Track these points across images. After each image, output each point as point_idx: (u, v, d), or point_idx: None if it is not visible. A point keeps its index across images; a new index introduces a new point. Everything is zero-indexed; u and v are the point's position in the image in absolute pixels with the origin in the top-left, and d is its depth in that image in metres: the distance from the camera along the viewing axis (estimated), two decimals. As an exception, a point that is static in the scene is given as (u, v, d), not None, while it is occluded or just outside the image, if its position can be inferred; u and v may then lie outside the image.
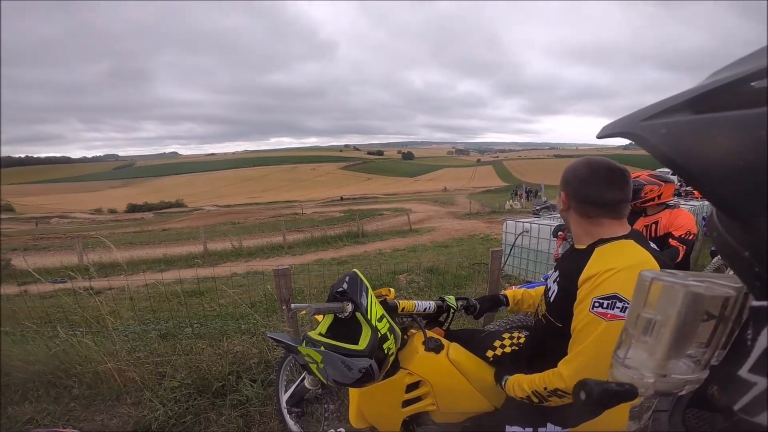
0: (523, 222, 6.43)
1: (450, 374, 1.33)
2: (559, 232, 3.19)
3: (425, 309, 1.46)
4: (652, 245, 1.14)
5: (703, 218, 6.02)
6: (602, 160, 1.11)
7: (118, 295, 5.40)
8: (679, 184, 8.61)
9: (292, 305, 1.21)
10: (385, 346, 1.19)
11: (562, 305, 1.11)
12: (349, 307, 1.19)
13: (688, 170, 0.37)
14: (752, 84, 0.37)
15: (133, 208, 79.90)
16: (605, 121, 0.53)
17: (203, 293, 5.96)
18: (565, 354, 1.06)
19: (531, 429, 1.16)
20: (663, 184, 2.71)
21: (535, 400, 1.09)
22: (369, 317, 1.19)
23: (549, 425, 1.13)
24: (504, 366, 1.36)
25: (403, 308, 1.39)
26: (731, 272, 0.46)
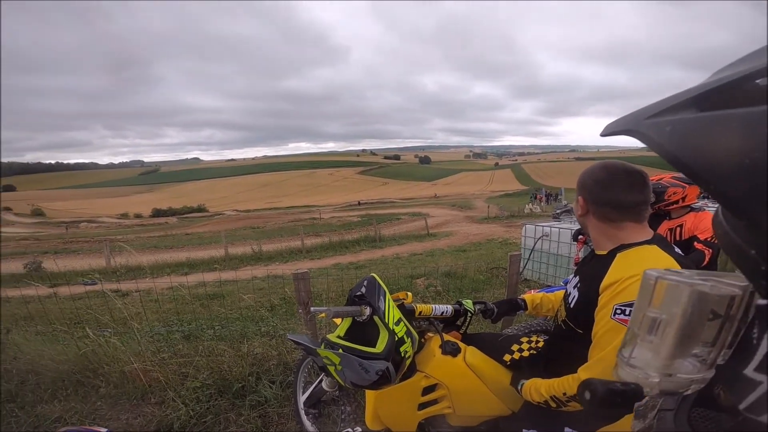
0: (542, 226, 6.33)
1: (466, 377, 1.33)
2: (580, 236, 3.14)
3: (442, 313, 1.47)
4: (677, 249, 1.11)
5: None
6: (619, 163, 1.10)
7: (144, 297, 5.57)
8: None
9: (312, 308, 1.23)
10: (402, 349, 1.20)
11: (582, 311, 1.10)
12: (367, 310, 1.21)
13: (692, 168, 0.37)
14: (756, 81, 0.37)
15: (157, 213, 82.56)
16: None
17: (225, 296, 6.09)
18: (585, 360, 1.05)
19: None
20: (687, 186, 2.63)
21: (553, 404, 1.08)
22: (386, 321, 1.21)
23: (566, 429, 1.12)
24: (521, 370, 1.35)
25: (420, 312, 1.40)
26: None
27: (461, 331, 1.55)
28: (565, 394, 1.05)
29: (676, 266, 1.00)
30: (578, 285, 1.17)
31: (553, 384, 1.09)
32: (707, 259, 2.45)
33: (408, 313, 1.35)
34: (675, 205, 2.69)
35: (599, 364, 1.00)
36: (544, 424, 1.17)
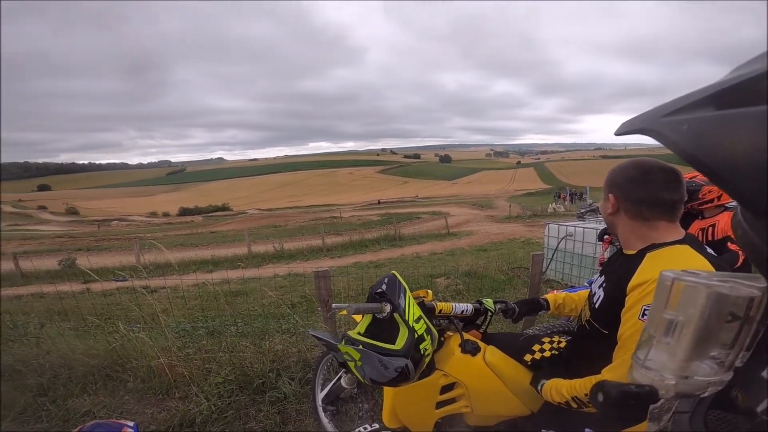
0: (566, 225, 6.19)
1: (486, 377, 1.32)
2: (606, 236, 3.05)
3: (462, 311, 1.46)
4: (709, 250, 1.07)
5: None
6: (652, 160, 1.08)
7: (171, 293, 5.75)
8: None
9: (333, 305, 1.25)
10: (421, 346, 1.20)
11: (608, 311, 1.08)
12: (388, 307, 1.22)
13: (710, 167, 0.36)
14: None
15: (184, 212, 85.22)
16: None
17: (247, 293, 6.22)
18: (608, 361, 1.03)
19: None
20: None
21: (574, 405, 1.07)
22: (406, 318, 1.21)
23: (586, 430, 1.10)
24: (542, 370, 1.33)
25: (441, 310, 1.40)
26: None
27: (481, 331, 1.54)
28: (587, 395, 1.03)
29: (709, 267, 0.97)
30: (604, 284, 1.15)
31: (574, 385, 1.08)
32: (741, 260, 2.34)
33: (428, 311, 1.35)
34: (709, 204, 2.58)
35: (624, 365, 0.97)
36: (564, 424, 1.16)
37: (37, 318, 4.18)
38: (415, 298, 1.32)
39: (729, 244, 2.43)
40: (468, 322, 1.53)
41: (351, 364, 1.23)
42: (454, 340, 1.39)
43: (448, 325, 1.45)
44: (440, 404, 1.33)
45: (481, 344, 1.39)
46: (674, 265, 0.97)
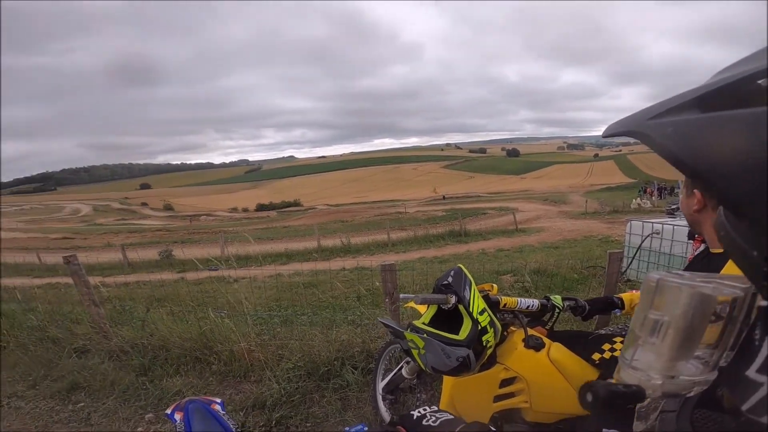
0: (652, 222, 5.64)
1: (548, 373, 1.28)
2: (697, 234, 2.74)
3: (528, 307, 1.42)
4: None
5: None
6: None
7: (251, 283, 6.25)
8: None
9: (401, 295, 1.30)
10: (484, 338, 1.21)
11: None
12: (453, 299, 1.24)
13: (695, 169, 0.37)
14: (759, 82, 0.36)
15: (260, 207, 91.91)
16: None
17: (317, 285, 6.55)
18: None
19: None
20: None
21: None
22: (471, 310, 1.22)
23: None
24: (611, 369, 1.26)
25: (505, 304, 1.38)
26: None
27: (547, 327, 1.49)
28: None
29: None
30: None
31: None
32: None
33: (492, 304, 1.34)
34: None
35: None
36: (627, 424, 1.09)
37: (143, 303, 4.80)
38: (480, 292, 1.32)
39: None
40: (534, 318, 1.49)
41: (415, 352, 1.27)
42: (518, 335, 1.37)
43: (513, 319, 1.43)
44: (498, 398, 1.32)
45: (546, 340, 1.35)
46: None
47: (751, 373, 0.42)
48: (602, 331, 1.72)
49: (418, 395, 2.13)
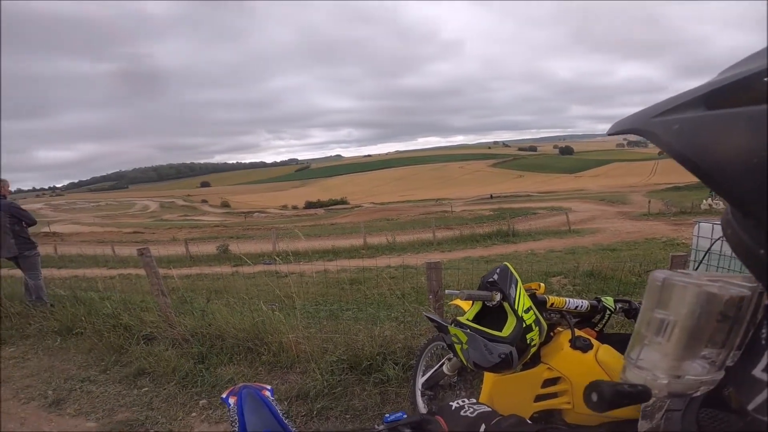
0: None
1: (595, 375, 1.22)
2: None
3: (576, 307, 1.37)
4: None
5: None
6: None
7: (299, 279, 6.49)
8: None
9: (446, 291, 1.31)
10: (528, 336, 1.19)
11: None
12: (498, 296, 1.23)
13: (701, 167, 0.37)
14: (765, 79, 0.35)
15: (309, 205, 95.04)
16: None
17: (362, 282, 6.67)
18: None
19: None
20: None
21: None
22: (516, 307, 1.21)
23: None
24: None
25: (552, 303, 1.34)
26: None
27: (597, 329, 1.43)
28: None
29: None
30: None
31: None
32: None
33: (539, 303, 1.31)
34: None
35: None
36: None
37: (203, 294, 5.14)
38: (526, 290, 1.30)
39: None
40: (583, 319, 1.43)
41: (457, 347, 1.27)
42: (564, 336, 1.32)
43: (560, 319, 1.38)
44: (540, 397, 1.28)
45: (595, 342, 1.29)
46: None
47: (757, 372, 0.41)
48: None
49: (458, 392, 2.12)
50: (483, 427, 0.65)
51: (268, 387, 1.34)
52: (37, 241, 4.89)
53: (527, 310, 1.22)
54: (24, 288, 4.73)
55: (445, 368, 1.93)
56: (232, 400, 1.25)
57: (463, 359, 1.27)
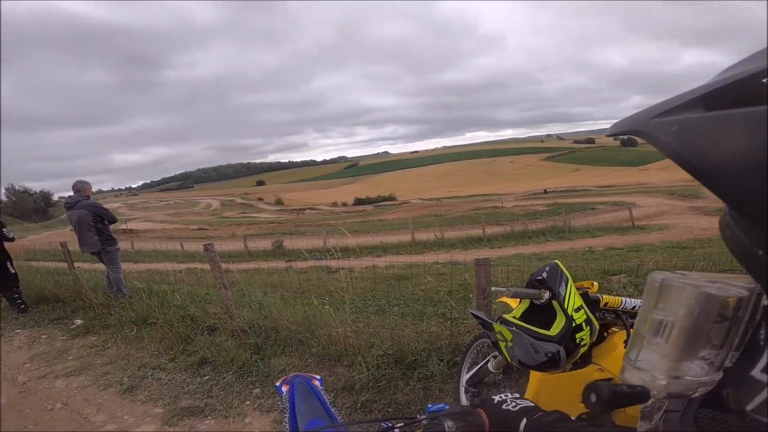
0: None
1: None
2: None
3: (633, 307, 1.30)
4: None
5: None
6: None
7: (349, 274, 6.66)
8: None
9: (493, 288, 1.29)
10: (577, 335, 1.15)
11: None
12: (546, 294, 1.20)
13: (699, 168, 0.37)
14: (764, 81, 0.36)
15: (358, 201, 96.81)
16: None
17: (410, 278, 6.70)
18: None
19: None
20: None
21: None
22: (565, 306, 1.17)
23: None
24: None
25: (606, 303, 1.29)
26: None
27: None
28: None
29: None
30: None
31: None
32: None
33: (591, 302, 1.26)
34: None
35: None
36: None
37: (260, 288, 5.44)
38: (578, 288, 1.25)
39: None
40: None
41: (502, 345, 1.25)
42: (619, 336, 1.28)
43: (615, 320, 1.33)
44: None
45: None
46: None
47: (756, 373, 0.41)
48: None
49: (502, 390, 2.08)
50: (524, 421, 0.66)
51: (318, 377, 1.43)
52: (117, 237, 5.28)
53: (578, 309, 1.18)
54: (106, 281, 5.11)
55: (490, 365, 1.91)
56: (284, 388, 1.34)
57: (508, 357, 1.25)
